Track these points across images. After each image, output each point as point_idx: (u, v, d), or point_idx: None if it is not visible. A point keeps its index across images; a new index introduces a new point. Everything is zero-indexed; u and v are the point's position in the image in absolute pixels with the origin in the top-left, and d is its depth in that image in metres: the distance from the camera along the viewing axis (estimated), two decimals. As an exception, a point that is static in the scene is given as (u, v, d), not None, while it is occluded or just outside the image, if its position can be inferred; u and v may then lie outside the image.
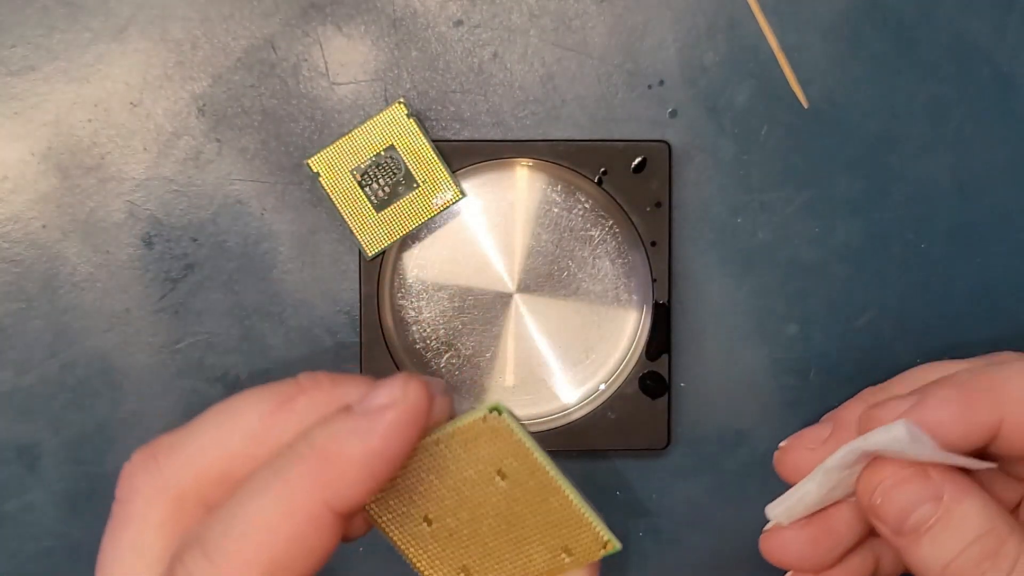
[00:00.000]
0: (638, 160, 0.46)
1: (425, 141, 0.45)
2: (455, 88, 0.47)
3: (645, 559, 0.49)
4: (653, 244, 0.46)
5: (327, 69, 0.47)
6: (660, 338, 0.47)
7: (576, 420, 0.47)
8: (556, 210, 0.47)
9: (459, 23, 0.47)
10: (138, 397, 0.47)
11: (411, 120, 0.45)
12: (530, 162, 0.46)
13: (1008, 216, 0.48)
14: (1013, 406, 0.32)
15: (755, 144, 0.48)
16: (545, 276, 0.47)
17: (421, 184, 0.46)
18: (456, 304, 0.47)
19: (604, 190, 0.46)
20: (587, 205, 0.47)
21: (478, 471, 0.32)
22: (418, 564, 0.33)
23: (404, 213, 0.46)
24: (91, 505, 0.48)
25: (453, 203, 0.46)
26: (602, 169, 0.46)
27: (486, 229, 0.47)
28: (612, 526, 0.32)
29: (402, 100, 0.45)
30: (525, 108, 0.47)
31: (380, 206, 0.45)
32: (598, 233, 0.47)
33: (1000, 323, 0.49)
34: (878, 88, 0.48)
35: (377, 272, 0.46)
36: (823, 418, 0.41)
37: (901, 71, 0.48)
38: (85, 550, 0.48)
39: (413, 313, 0.47)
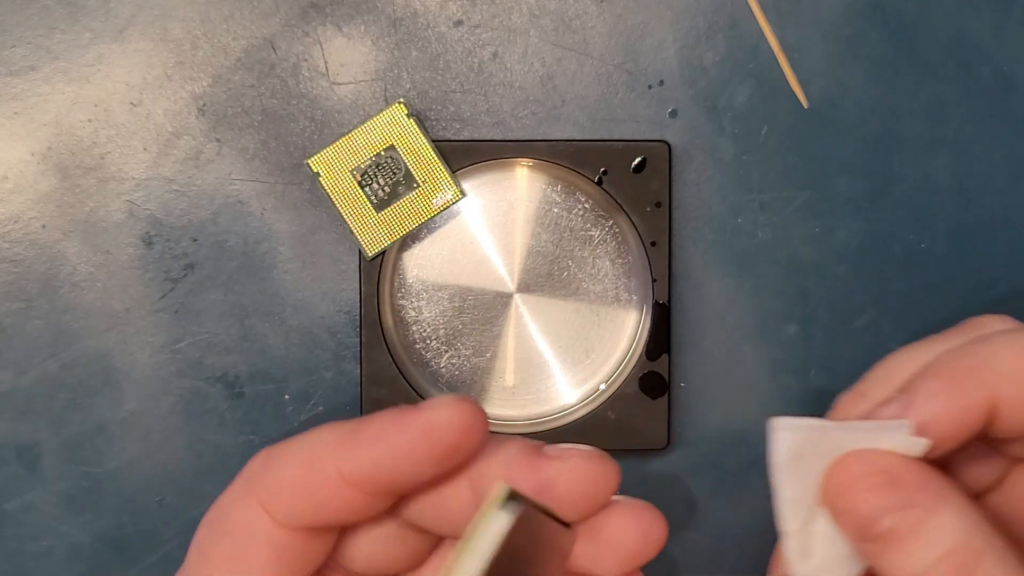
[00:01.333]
0: (638, 160, 0.46)
1: (425, 141, 0.45)
2: (455, 88, 0.47)
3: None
4: (653, 244, 0.46)
5: (327, 69, 0.47)
6: (660, 338, 0.47)
7: (576, 420, 0.47)
8: (556, 210, 0.47)
9: (459, 23, 0.47)
10: (138, 397, 0.47)
11: (411, 120, 0.45)
12: (530, 162, 0.46)
13: (1008, 216, 0.48)
14: (1004, 384, 0.30)
15: (755, 144, 0.48)
16: (545, 276, 0.47)
17: (421, 184, 0.45)
18: (456, 304, 0.47)
19: (604, 190, 0.46)
20: (587, 205, 0.47)
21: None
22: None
23: (404, 213, 0.46)
24: (91, 505, 0.48)
25: (453, 203, 0.46)
26: (602, 169, 0.46)
27: (486, 229, 0.47)
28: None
29: (402, 100, 0.45)
30: (525, 108, 0.47)
31: (380, 206, 0.45)
32: (598, 233, 0.47)
33: (1000, 323, 0.49)
34: (878, 88, 0.48)
35: (377, 272, 0.46)
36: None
37: (901, 71, 0.48)
38: (85, 550, 0.48)
39: (413, 313, 0.47)
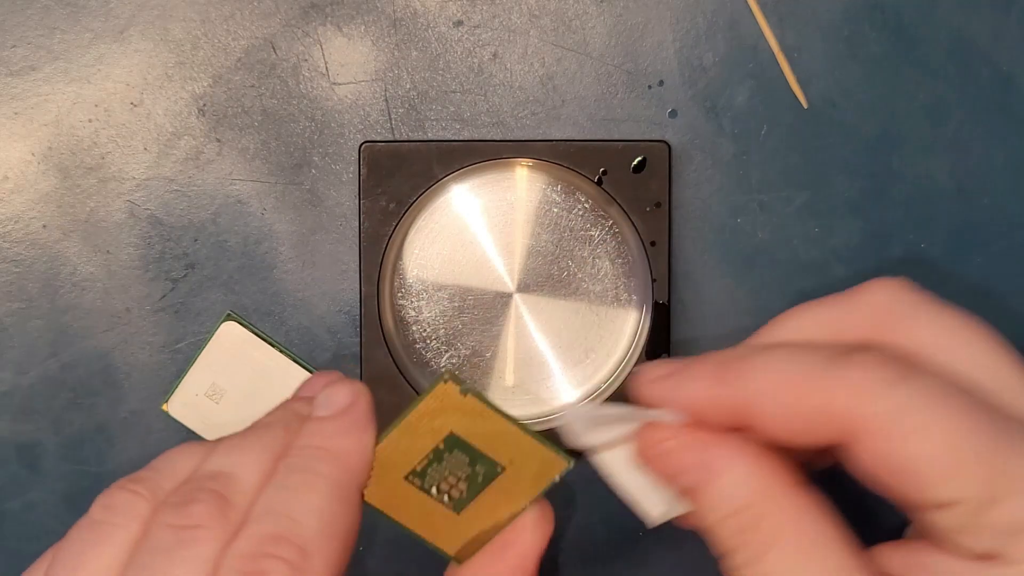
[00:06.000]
0: (638, 160, 0.46)
1: (496, 414, 0.36)
2: (455, 88, 0.47)
3: (645, 559, 0.49)
4: (653, 244, 0.46)
5: (327, 69, 0.47)
6: (660, 338, 0.47)
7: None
8: (556, 210, 0.47)
9: (459, 23, 0.47)
10: (138, 397, 0.47)
11: (469, 397, 0.35)
12: (530, 162, 0.47)
13: (1008, 216, 0.48)
14: (756, 396, 0.32)
15: (755, 144, 0.48)
16: (545, 276, 0.47)
17: (507, 465, 0.37)
18: (456, 304, 0.47)
19: (604, 190, 0.46)
20: (587, 205, 0.47)
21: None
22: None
23: (496, 503, 0.37)
24: (91, 505, 0.48)
25: (564, 473, 0.37)
26: (602, 169, 0.46)
27: (486, 229, 0.47)
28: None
29: (446, 374, 0.36)
30: (525, 108, 0.47)
31: (459, 506, 0.37)
32: (598, 233, 0.47)
33: (1000, 323, 0.49)
34: (878, 88, 0.48)
35: (377, 272, 0.46)
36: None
37: (901, 71, 0.48)
38: (85, 550, 0.48)
39: (413, 313, 0.47)
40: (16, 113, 0.47)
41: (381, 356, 0.46)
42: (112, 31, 0.47)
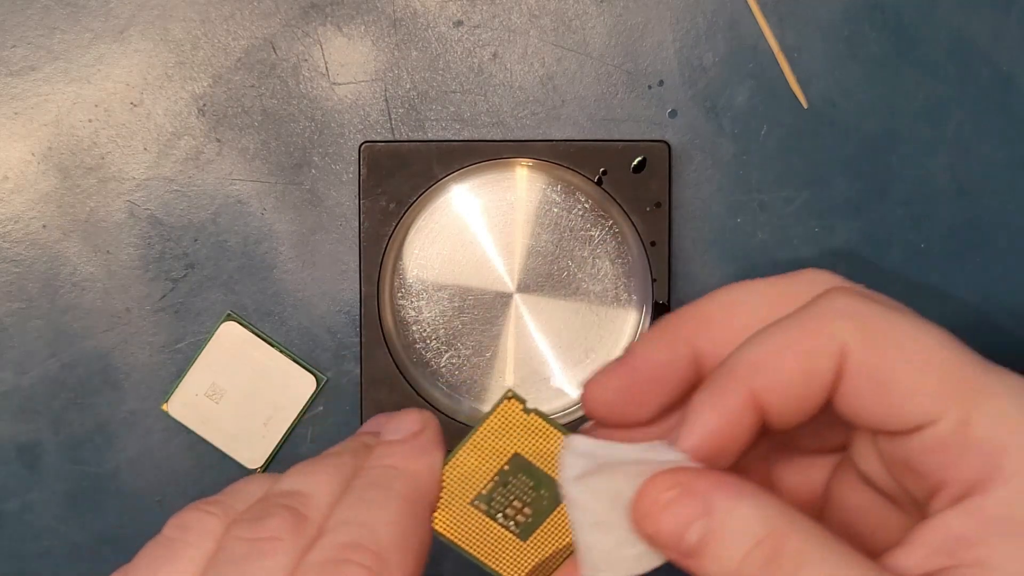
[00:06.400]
0: (638, 160, 0.46)
1: (559, 432, 0.35)
2: (455, 88, 0.47)
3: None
4: (653, 244, 0.46)
5: (327, 69, 0.47)
6: (660, 338, 0.47)
7: (576, 420, 0.47)
8: (556, 210, 0.47)
9: (459, 23, 0.47)
10: (138, 397, 0.47)
11: (532, 416, 0.35)
12: (530, 162, 0.47)
13: (1008, 216, 0.48)
14: (761, 381, 0.31)
15: (755, 144, 0.48)
16: (545, 276, 0.47)
17: None
18: (456, 304, 0.47)
19: (604, 190, 0.46)
20: (587, 205, 0.47)
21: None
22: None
23: (561, 529, 0.36)
24: (91, 505, 0.48)
25: None
26: (602, 169, 0.46)
27: (486, 229, 0.47)
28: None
29: (509, 392, 0.35)
30: (525, 108, 0.47)
31: (525, 533, 0.36)
32: (598, 233, 0.47)
33: (1000, 323, 0.49)
34: (878, 88, 0.48)
35: (377, 272, 0.46)
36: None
37: (901, 71, 0.48)
38: (85, 550, 0.48)
39: (413, 313, 0.47)
40: (16, 113, 0.47)
41: (381, 356, 0.46)
42: (112, 31, 0.47)
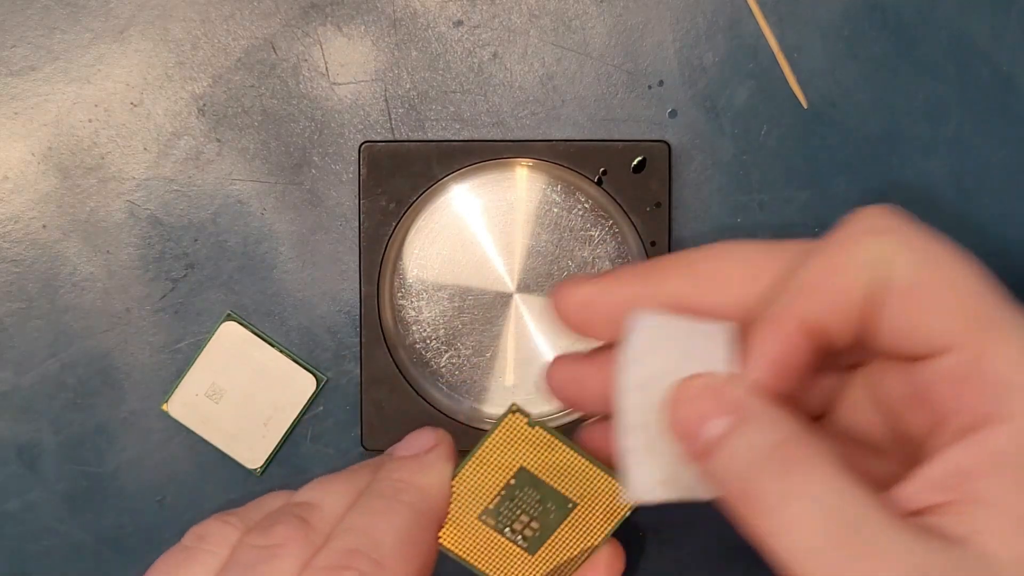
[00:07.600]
0: (638, 160, 0.46)
1: (564, 445, 0.36)
2: (455, 88, 0.47)
3: (646, 559, 0.49)
4: (653, 244, 0.46)
5: (327, 69, 0.47)
6: (660, 338, 0.47)
7: (576, 420, 0.47)
8: (556, 210, 0.47)
9: (459, 23, 0.47)
10: (138, 397, 0.47)
11: (536, 429, 0.35)
12: (530, 162, 0.47)
13: (1008, 216, 0.48)
14: (819, 304, 0.32)
15: (755, 144, 0.48)
16: (545, 276, 0.47)
17: (579, 502, 0.36)
18: (456, 304, 0.47)
19: (604, 190, 0.46)
20: (587, 205, 0.47)
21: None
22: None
23: (568, 543, 0.36)
24: (91, 505, 0.48)
25: (631, 510, 0.36)
26: (602, 169, 0.46)
27: (486, 229, 0.47)
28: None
29: (513, 406, 0.36)
30: (525, 108, 0.47)
31: (533, 547, 0.36)
32: (598, 233, 0.47)
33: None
34: (878, 88, 0.48)
35: (377, 272, 0.46)
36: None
37: (901, 71, 0.48)
38: (85, 550, 0.48)
39: (413, 313, 0.47)
40: (16, 113, 0.47)
41: (381, 356, 0.46)
42: (112, 31, 0.47)
